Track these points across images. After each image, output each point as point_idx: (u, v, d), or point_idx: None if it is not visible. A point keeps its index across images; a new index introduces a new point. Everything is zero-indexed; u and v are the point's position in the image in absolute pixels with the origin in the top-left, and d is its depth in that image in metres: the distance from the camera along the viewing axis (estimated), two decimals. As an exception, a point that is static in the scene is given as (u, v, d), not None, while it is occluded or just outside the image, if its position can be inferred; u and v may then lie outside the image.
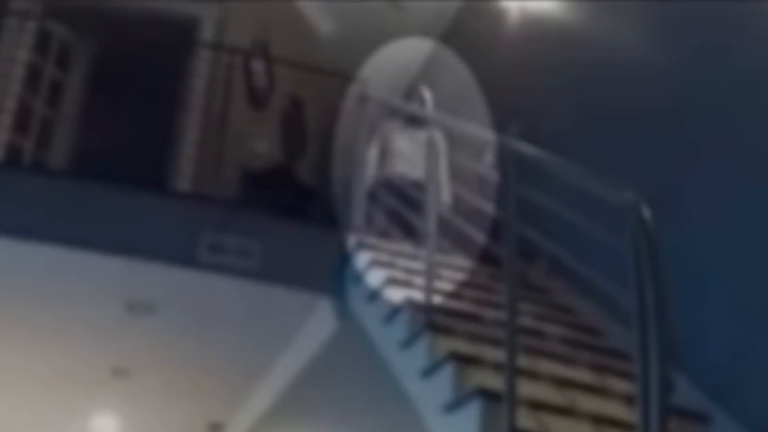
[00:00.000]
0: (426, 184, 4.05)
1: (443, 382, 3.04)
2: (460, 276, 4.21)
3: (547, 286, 4.47)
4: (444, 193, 5.11)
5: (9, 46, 6.34)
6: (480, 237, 4.00)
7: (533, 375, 2.97)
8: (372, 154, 5.50)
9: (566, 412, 2.82)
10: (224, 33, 7.06)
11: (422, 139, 5.01)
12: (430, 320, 3.41)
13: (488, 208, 3.96)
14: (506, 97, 5.69)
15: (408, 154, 5.36)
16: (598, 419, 2.79)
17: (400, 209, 4.62)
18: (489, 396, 2.72)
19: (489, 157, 5.20)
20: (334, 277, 4.70)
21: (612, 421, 2.78)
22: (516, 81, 5.74)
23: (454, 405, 2.90)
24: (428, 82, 5.92)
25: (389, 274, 4.06)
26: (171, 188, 6.22)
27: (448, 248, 4.24)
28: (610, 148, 4.32)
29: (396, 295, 3.81)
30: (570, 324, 3.98)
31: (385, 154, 5.49)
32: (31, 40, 6.51)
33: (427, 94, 4.76)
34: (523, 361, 2.80)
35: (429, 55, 7.39)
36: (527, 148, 3.11)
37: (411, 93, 6.25)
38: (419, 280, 3.72)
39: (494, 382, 2.75)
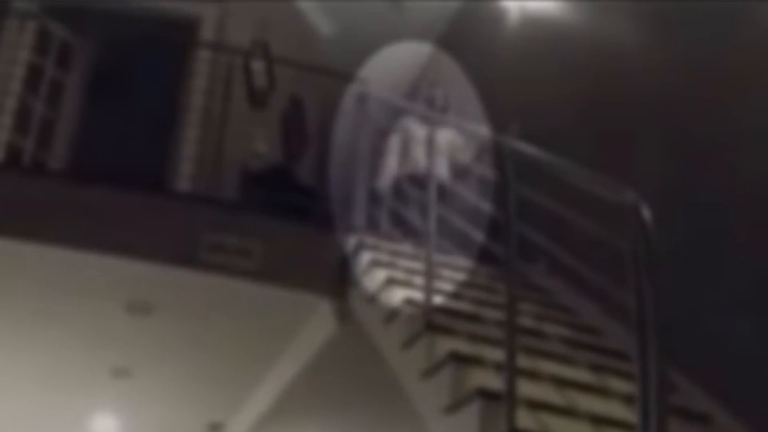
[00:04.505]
0: (443, 181, 4.05)
1: (443, 382, 3.04)
2: (460, 276, 4.21)
3: (547, 286, 4.47)
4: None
5: (9, 46, 6.34)
6: (480, 237, 4.01)
7: (533, 375, 2.96)
8: (394, 146, 5.53)
9: (566, 412, 2.82)
10: (224, 33, 7.06)
11: (441, 137, 5.06)
12: (430, 320, 3.41)
13: (488, 208, 3.96)
14: (506, 97, 5.69)
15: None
16: (597, 419, 2.79)
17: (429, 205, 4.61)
18: (489, 396, 2.72)
19: (476, 154, 5.27)
20: (335, 278, 4.69)
21: (612, 421, 2.78)
22: (516, 81, 5.74)
23: (454, 405, 2.90)
24: (428, 83, 5.95)
25: (389, 275, 4.06)
26: (171, 188, 6.21)
27: (449, 248, 4.24)
28: (611, 148, 4.32)
29: (396, 295, 3.81)
30: (570, 324, 3.98)
31: (407, 149, 5.51)
32: (31, 40, 6.51)
33: (439, 94, 4.78)
34: (523, 361, 2.80)
35: (429, 56, 7.40)
36: (527, 148, 3.12)
37: (418, 92, 6.29)
38: (419, 280, 3.72)
39: (494, 382, 2.75)
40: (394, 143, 5.59)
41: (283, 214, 5.18)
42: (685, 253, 3.47)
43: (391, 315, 3.76)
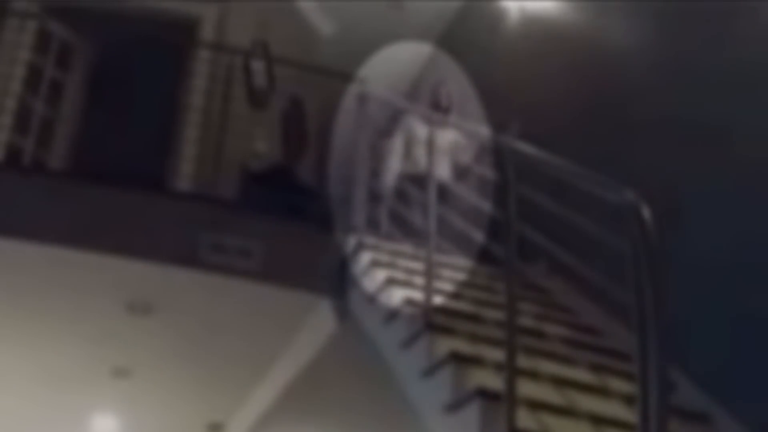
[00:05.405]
0: (445, 181, 4.05)
1: (443, 382, 3.04)
2: (460, 276, 4.21)
3: (547, 286, 4.47)
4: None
5: (9, 46, 6.34)
6: (480, 237, 4.01)
7: (533, 375, 2.97)
8: (397, 146, 5.53)
9: (566, 412, 2.82)
10: (224, 33, 7.07)
11: (444, 137, 5.05)
12: (430, 320, 3.41)
13: (488, 208, 3.97)
14: (506, 97, 5.69)
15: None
16: (598, 419, 2.79)
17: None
18: (489, 396, 2.72)
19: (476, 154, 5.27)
20: (334, 278, 4.69)
21: (612, 421, 2.78)
22: (516, 81, 5.74)
23: (454, 405, 2.90)
24: (432, 82, 5.95)
25: (389, 275, 4.06)
26: (171, 188, 6.21)
27: (449, 248, 4.24)
28: (611, 148, 4.32)
29: (396, 295, 3.81)
30: (570, 324, 3.98)
31: (409, 148, 5.51)
32: (31, 40, 6.51)
33: (444, 93, 4.77)
34: (523, 361, 2.80)
35: (429, 56, 7.40)
36: (527, 148, 3.12)
37: (422, 91, 6.29)
38: (419, 280, 3.71)
39: (494, 382, 2.75)
40: (397, 143, 5.59)
41: (283, 214, 5.18)
42: (685, 253, 3.46)
43: (391, 315, 3.76)
